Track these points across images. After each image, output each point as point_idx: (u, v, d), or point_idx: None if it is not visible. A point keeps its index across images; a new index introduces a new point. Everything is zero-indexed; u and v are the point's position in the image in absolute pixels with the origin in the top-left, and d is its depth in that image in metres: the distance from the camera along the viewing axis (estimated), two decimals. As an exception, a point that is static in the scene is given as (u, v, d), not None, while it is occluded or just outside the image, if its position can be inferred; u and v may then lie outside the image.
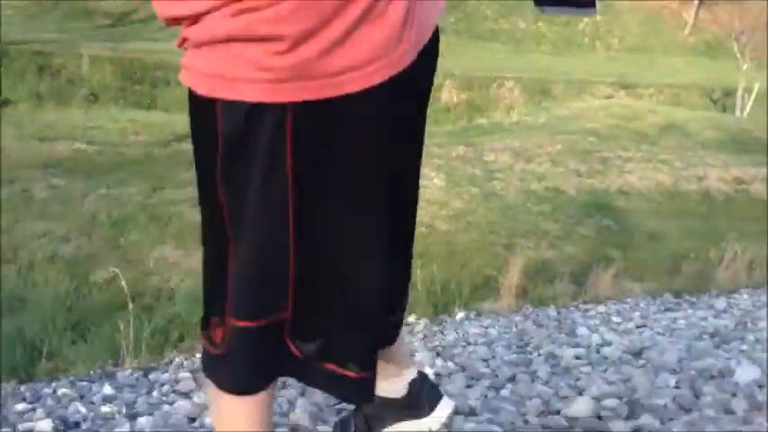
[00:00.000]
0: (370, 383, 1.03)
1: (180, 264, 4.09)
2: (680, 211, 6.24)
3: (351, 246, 0.95)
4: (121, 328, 2.99)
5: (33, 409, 2.00)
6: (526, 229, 4.98)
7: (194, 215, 5.06)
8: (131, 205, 5.21)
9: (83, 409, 1.94)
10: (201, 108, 0.89)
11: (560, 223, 5.10)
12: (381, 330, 1.06)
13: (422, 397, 1.24)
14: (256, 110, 0.85)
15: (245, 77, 0.85)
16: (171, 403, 1.96)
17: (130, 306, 3.03)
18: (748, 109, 15.13)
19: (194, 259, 4.18)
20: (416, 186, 1.07)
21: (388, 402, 1.23)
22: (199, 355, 2.80)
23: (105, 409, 1.93)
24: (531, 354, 2.29)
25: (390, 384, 1.21)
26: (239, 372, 0.98)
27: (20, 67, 11.57)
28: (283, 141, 0.87)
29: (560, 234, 4.78)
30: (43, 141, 7.23)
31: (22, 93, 10.97)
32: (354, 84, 0.86)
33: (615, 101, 13.33)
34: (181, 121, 9.24)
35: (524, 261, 3.73)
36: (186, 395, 2.06)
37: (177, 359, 2.77)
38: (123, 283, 3.25)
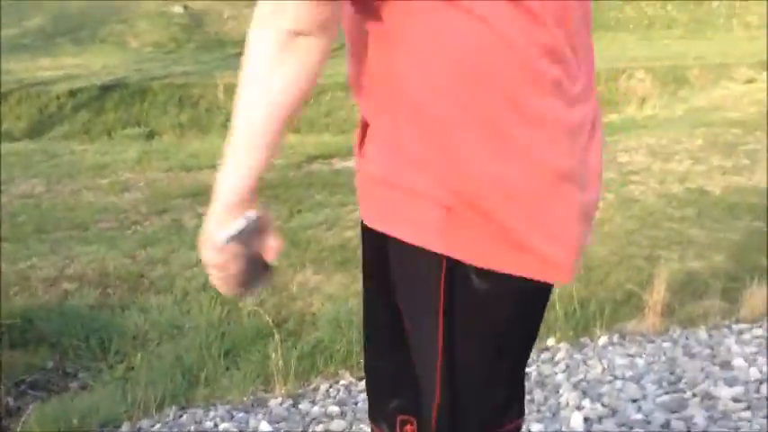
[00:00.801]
0: None
1: (320, 288, 4.24)
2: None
3: None
4: (271, 355, 3.16)
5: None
6: (669, 237, 4.75)
7: (330, 239, 5.23)
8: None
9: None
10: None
11: (706, 229, 4.81)
12: None
13: None
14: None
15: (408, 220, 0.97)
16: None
17: (276, 336, 3.18)
18: None
19: (333, 284, 4.32)
20: None
21: None
22: (342, 382, 2.92)
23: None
24: (684, 392, 2.18)
25: None
26: None
27: (162, 100, 12.41)
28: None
29: (707, 242, 4.50)
30: (189, 171, 7.71)
31: (165, 125, 11.77)
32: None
33: (758, 85, 12.43)
34: (311, 142, 9.57)
35: (668, 274, 3.55)
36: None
37: (323, 386, 2.89)
38: (265, 315, 3.42)
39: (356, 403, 2.55)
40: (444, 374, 0.98)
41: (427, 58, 0.89)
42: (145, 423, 2.63)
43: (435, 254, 0.93)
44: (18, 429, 2.75)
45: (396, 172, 0.95)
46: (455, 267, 0.94)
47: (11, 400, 3.27)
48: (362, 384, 2.84)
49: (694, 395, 2.11)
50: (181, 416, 2.72)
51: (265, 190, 6.84)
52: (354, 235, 5.28)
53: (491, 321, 0.97)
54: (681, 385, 2.26)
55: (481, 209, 0.90)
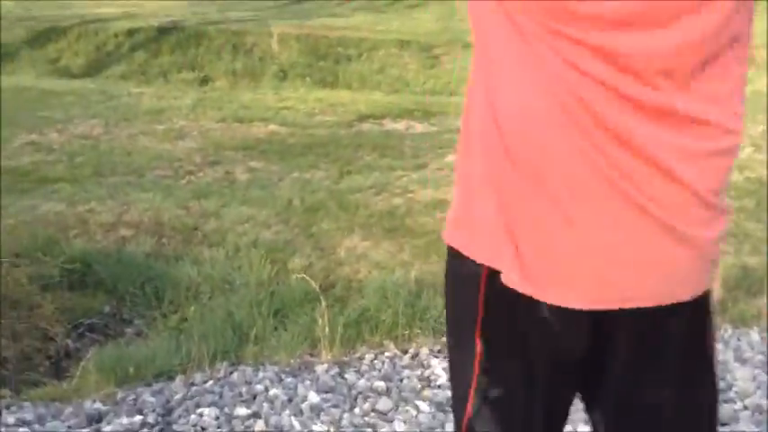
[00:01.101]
0: None
1: (367, 255, 4.32)
2: None
3: None
4: (318, 320, 3.25)
5: (254, 416, 2.25)
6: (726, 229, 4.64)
7: (378, 204, 5.29)
8: (322, 191, 5.54)
9: (297, 425, 2.16)
10: None
11: (764, 223, 4.70)
12: None
13: None
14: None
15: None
16: (374, 427, 2.12)
17: (323, 303, 3.27)
18: None
19: (380, 251, 4.39)
20: None
21: None
22: (387, 353, 3.01)
23: (316, 428, 2.13)
24: (735, 403, 2.19)
25: None
26: None
27: (217, 45, 12.47)
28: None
29: (764, 236, 4.41)
30: (241, 123, 7.81)
31: (219, 70, 11.85)
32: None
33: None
34: (363, 100, 9.58)
35: (722, 269, 3.49)
36: (386, 417, 2.22)
37: (368, 356, 2.98)
38: (312, 280, 3.51)
39: (401, 380, 2.64)
40: None
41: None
42: (198, 377, 2.75)
43: None
44: (77, 373, 2.90)
45: None
46: None
47: (70, 342, 3.44)
48: (407, 359, 2.92)
49: (746, 408, 2.08)
50: (231, 372, 2.83)
51: (316, 148, 6.91)
52: (403, 202, 5.33)
53: None
54: (731, 394, 2.24)
55: None
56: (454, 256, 1.05)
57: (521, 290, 0.96)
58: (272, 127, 7.74)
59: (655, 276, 0.94)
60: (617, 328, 0.99)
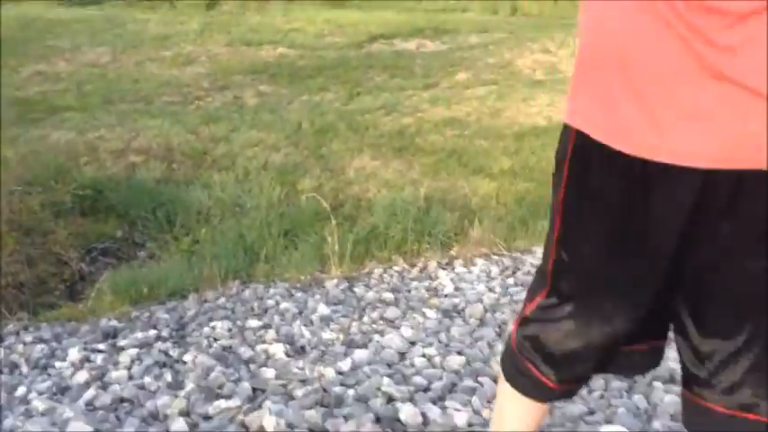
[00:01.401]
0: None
1: (376, 174, 4.30)
2: None
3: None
4: (327, 238, 3.27)
5: (265, 327, 2.30)
6: None
7: (388, 124, 5.25)
8: (331, 113, 5.50)
9: (307, 333, 2.20)
10: None
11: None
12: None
13: None
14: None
15: None
16: (381, 333, 2.15)
17: (333, 221, 3.29)
18: None
19: (389, 170, 4.38)
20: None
21: None
22: (396, 268, 3.04)
23: (325, 335, 2.17)
24: None
25: None
26: None
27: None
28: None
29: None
30: (249, 46, 7.71)
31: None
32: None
33: None
34: (373, 20, 9.39)
35: None
36: (393, 324, 2.26)
37: (377, 271, 3.00)
38: (321, 200, 3.51)
39: (409, 291, 2.67)
40: None
41: None
42: (210, 295, 2.79)
43: None
44: (92, 295, 2.95)
45: None
46: None
47: (84, 266, 3.50)
48: (415, 272, 2.94)
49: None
50: (243, 290, 2.87)
51: (325, 70, 6.82)
52: (413, 122, 5.28)
53: None
54: None
55: None
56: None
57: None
58: (281, 50, 7.64)
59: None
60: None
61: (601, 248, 1.07)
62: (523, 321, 1.19)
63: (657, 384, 1.94)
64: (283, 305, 2.52)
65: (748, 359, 1.03)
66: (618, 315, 1.09)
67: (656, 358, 1.20)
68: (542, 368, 1.16)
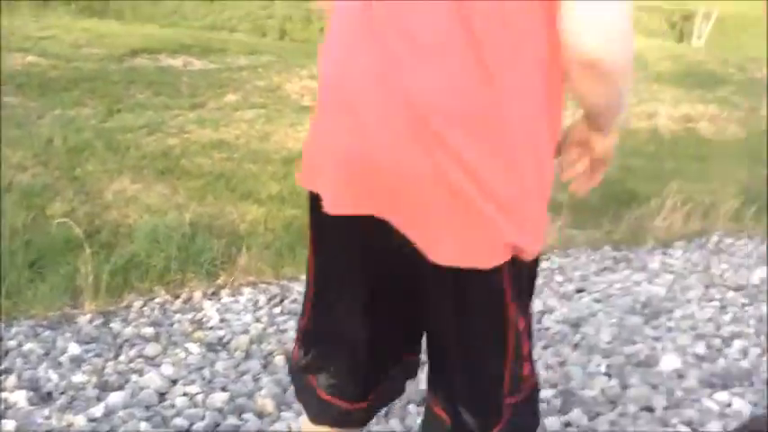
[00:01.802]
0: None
1: (137, 198, 4.08)
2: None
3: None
4: (81, 268, 3.04)
5: (5, 372, 2.07)
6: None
7: (151, 145, 5.02)
8: (87, 130, 5.13)
9: (54, 377, 2.02)
10: None
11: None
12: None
13: None
14: None
15: None
16: (139, 372, 2.04)
17: (87, 250, 3.07)
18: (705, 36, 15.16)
19: (152, 194, 4.18)
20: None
21: None
22: (158, 300, 2.90)
23: (76, 378, 2.01)
24: None
25: None
26: None
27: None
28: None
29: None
30: (-7, 53, 6.96)
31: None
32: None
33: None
34: (136, 33, 8.95)
35: None
36: (153, 361, 2.15)
37: (136, 304, 2.85)
38: (75, 226, 3.27)
39: (171, 324, 2.56)
40: None
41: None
42: (-64, 337, 2.46)
43: None
44: None
45: None
46: None
47: None
48: (179, 303, 2.83)
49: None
50: (-21, 332, 2.58)
51: (81, 83, 6.37)
52: (178, 143, 5.10)
53: None
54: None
55: None
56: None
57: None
58: (31, 58, 7.00)
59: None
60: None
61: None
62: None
63: (412, 408, 2.05)
64: (27, 346, 2.30)
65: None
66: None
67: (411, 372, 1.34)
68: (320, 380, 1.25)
